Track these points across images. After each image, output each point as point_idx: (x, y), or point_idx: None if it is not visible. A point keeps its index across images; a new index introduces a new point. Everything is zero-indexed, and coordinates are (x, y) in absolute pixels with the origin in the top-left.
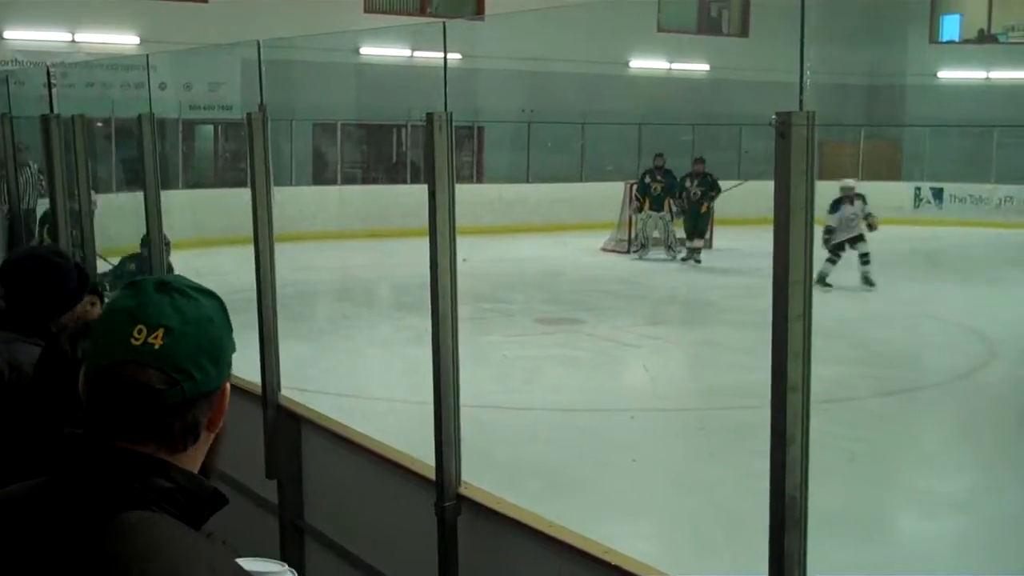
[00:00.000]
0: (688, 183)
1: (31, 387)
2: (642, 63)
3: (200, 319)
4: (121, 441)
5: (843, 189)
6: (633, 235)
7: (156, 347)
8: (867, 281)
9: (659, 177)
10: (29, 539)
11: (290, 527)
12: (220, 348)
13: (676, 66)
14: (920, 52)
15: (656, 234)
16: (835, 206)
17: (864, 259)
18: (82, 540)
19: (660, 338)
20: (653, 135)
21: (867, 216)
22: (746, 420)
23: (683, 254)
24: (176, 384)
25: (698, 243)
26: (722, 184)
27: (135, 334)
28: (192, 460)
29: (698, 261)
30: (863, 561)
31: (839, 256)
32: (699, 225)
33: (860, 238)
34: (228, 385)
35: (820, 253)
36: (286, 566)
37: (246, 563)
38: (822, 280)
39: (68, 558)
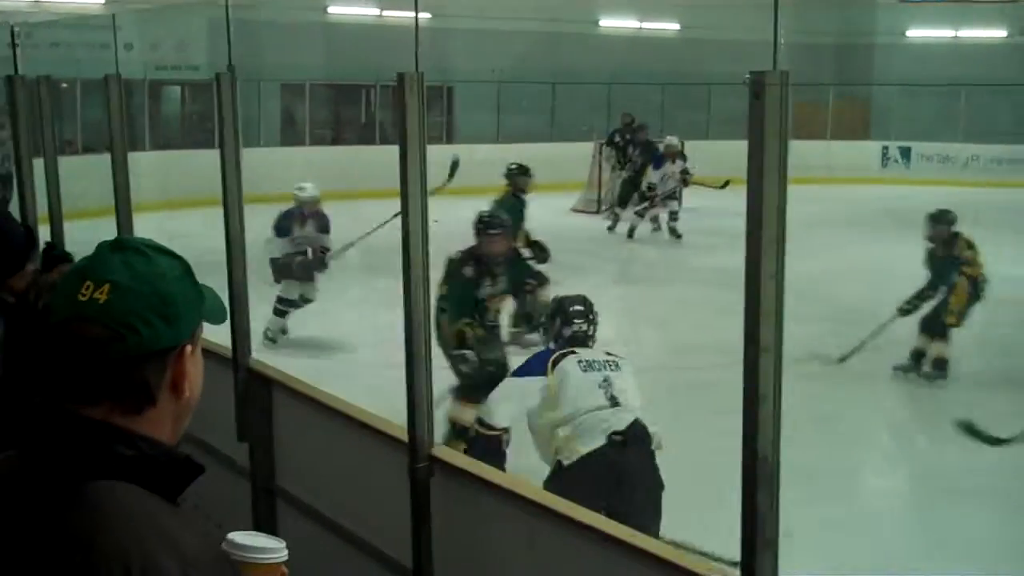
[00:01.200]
0: (630, 150)
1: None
2: (612, 22)
3: (150, 275)
4: (76, 403)
5: (667, 147)
6: (603, 194)
7: (100, 302)
8: (674, 233)
9: (628, 137)
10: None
11: (262, 491)
12: (173, 306)
13: (646, 25)
14: (889, 11)
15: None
16: (658, 163)
17: (674, 216)
18: (43, 513)
19: (629, 298)
20: (623, 95)
21: (683, 172)
22: (715, 379)
23: (609, 223)
24: (120, 339)
25: (653, 211)
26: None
27: (83, 290)
28: (155, 426)
29: (656, 229)
30: (833, 517)
31: (646, 213)
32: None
33: (673, 195)
34: (190, 348)
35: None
36: (283, 543)
37: (241, 536)
38: (630, 234)
39: (29, 532)
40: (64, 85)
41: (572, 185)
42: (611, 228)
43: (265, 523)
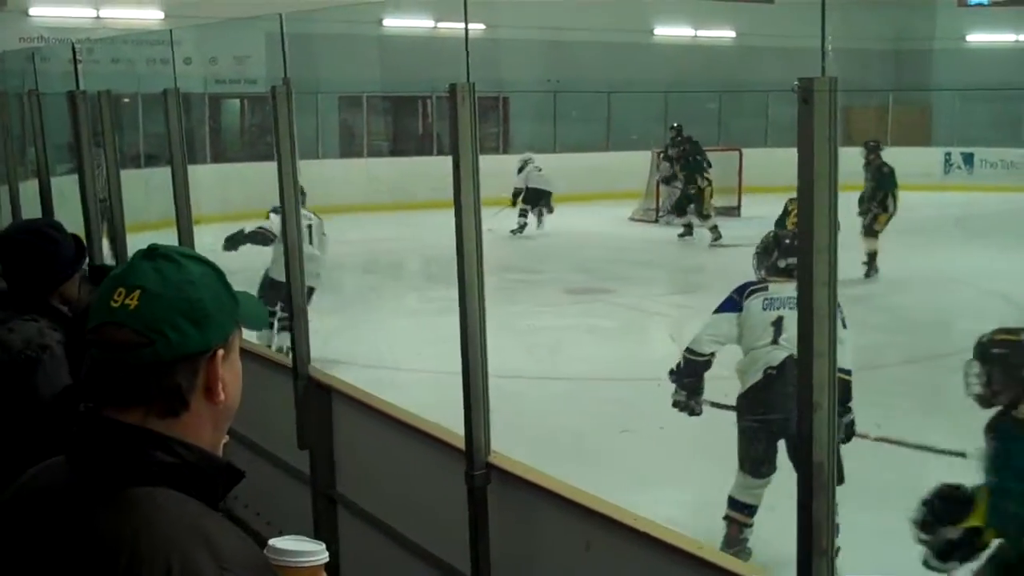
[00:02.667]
0: (674, 163)
1: (24, 366)
2: (667, 31)
3: (180, 281)
4: (111, 408)
5: (521, 161)
6: (659, 203)
7: (131, 307)
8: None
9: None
10: (45, 520)
11: (322, 497)
12: (203, 311)
13: (701, 33)
14: (949, 15)
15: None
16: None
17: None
18: (86, 518)
19: (687, 307)
20: (679, 103)
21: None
22: None
23: (680, 231)
24: (149, 343)
25: (708, 223)
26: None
27: (115, 296)
28: (193, 430)
29: (717, 239)
30: (890, 526)
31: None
32: (698, 208)
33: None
34: (222, 353)
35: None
36: (323, 545)
37: (281, 542)
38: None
39: (73, 537)
40: (125, 100)
41: (628, 194)
42: (682, 235)
43: (324, 529)
